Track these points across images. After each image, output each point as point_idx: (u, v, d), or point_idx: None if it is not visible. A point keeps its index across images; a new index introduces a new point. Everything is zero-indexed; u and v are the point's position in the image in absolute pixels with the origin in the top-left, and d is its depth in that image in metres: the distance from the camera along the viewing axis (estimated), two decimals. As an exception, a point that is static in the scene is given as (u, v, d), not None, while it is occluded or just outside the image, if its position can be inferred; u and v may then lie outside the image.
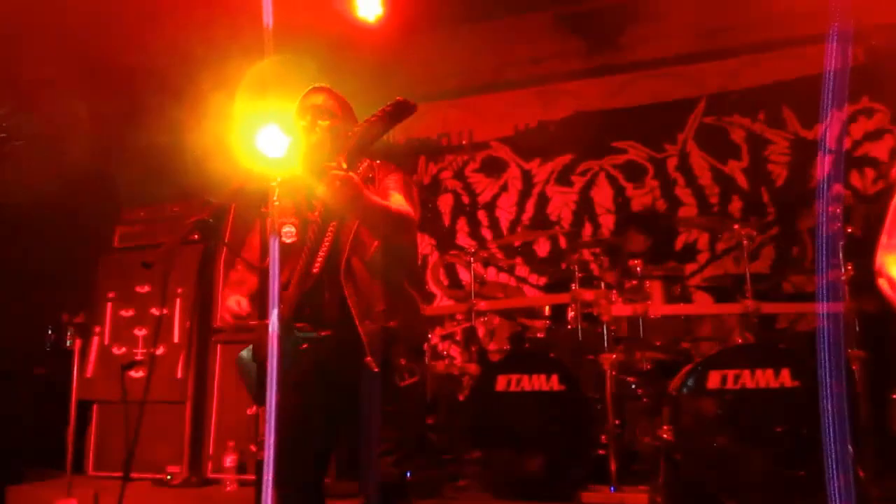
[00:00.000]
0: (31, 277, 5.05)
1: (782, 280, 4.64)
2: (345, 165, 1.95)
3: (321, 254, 2.18)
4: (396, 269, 2.23)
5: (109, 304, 4.44)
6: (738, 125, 5.10)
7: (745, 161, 5.06)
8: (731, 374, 3.05)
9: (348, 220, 2.17)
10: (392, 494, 2.14)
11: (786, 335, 4.30)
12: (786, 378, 2.99)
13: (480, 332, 4.97)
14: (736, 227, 3.45)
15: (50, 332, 5.41)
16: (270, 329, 1.81)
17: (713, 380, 3.08)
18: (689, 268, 4.93)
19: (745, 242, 3.42)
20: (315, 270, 2.17)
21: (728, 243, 4.89)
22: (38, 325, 5.32)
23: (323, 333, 2.14)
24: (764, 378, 3.01)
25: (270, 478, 1.78)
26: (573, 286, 3.52)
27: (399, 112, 1.89)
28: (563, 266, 3.68)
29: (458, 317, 4.46)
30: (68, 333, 5.30)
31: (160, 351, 4.23)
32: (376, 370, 2.11)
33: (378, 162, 2.35)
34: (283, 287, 2.13)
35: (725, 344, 3.36)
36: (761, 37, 5.05)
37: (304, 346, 2.10)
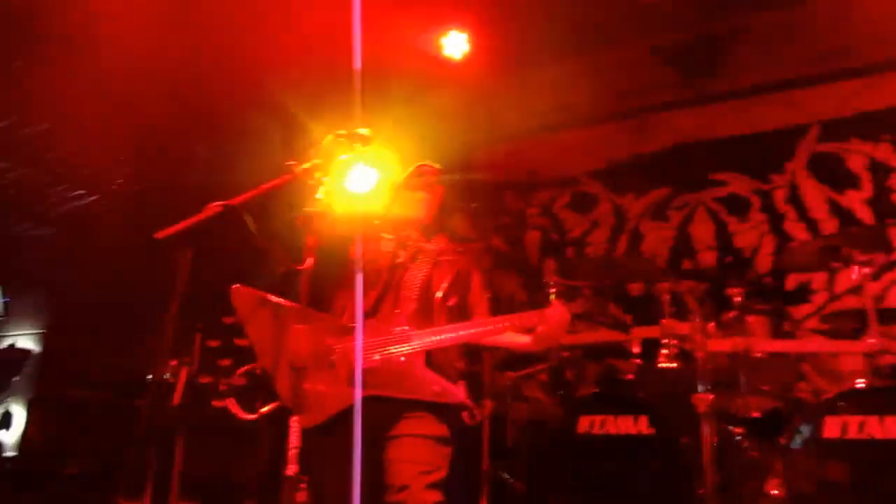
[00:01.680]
0: (129, 312, 5.32)
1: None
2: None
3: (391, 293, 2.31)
4: None
5: (197, 336, 4.54)
6: (858, 151, 4.62)
7: (867, 191, 4.54)
8: (853, 420, 2.61)
9: (437, 278, 2.33)
10: None
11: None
12: (924, 428, 2.52)
13: (569, 375, 4.68)
14: (855, 258, 3.04)
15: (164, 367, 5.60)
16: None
17: (831, 428, 2.65)
18: (805, 310, 4.43)
19: (866, 275, 3.00)
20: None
21: (849, 283, 4.36)
22: (138, 359, 5.55)
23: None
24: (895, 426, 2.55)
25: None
26: (664, 319, 3.21)
27: None
28: (655, 295, 3.38)
29: (543, 355, 4.19)
30: (166, 367, 5.48)
31: (243, 381, 4.25)
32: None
33: (457, 245, 2.52)
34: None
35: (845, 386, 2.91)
36: (880, 55, 4.61)
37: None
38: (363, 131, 1.99)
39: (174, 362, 4.96)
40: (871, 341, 2.91)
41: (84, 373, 5.79)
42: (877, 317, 2.98)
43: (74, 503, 4.97)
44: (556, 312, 2.16)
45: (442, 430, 2.14)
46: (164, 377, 5.46)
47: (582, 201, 5.44)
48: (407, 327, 2.18)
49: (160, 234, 1.33)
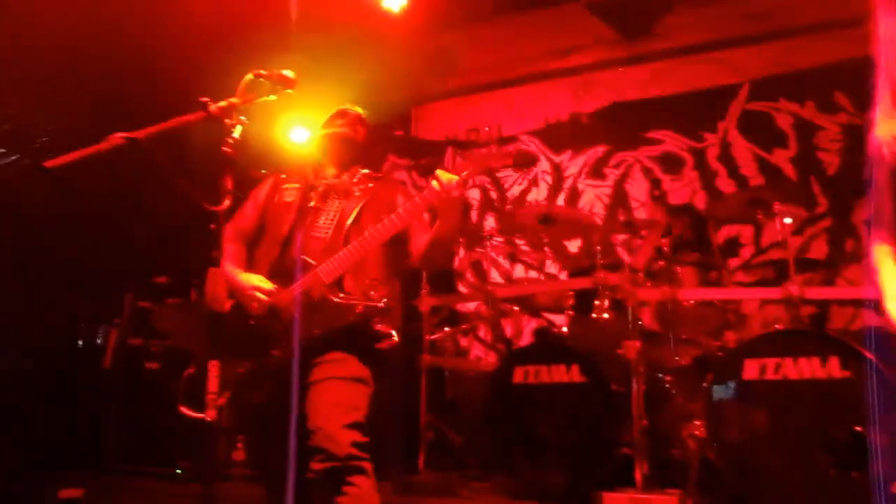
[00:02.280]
0: (58, 275, 5.09)
1: (836, 275, 4.28)
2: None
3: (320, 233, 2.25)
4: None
5: (128, 296, 4.39)
6: (785, 111, 4.76)
7: (793, 149, 4.70)
8: (770, 362, 2.74)
9: (349, 207, 2.25)
10: (352, 469, 1.95)
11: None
12: (834, 368, 2.66)
13: (508, 332, 4.75)
14: (776, 206, 3.15)
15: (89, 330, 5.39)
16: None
17: (750, 369, 2.77)
18: (733, 262, 4.58)
19: (788, 223, 3.11)
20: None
21: (774, 237, 4.53)
22: (68, 322, 5.34)
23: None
24: (809, 367, 2.68)
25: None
26: (597, 271, 3.27)
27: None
28: (590, 250, 3.43)
29: (483, 311, 4.24)
30: (99, 330, 5.29)
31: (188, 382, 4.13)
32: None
33: (377, 174, 2.45)
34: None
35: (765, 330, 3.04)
36: (810, 17, 4.72)
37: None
38: (287, 73, 1.92)
39: (104, 325, 4.80)
40: (791, 288, 3.04)
41: (11, 340, 5.55)
42: (797, 267, 3.11)
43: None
44: (443, 179, 2.04)
45: (360, 370, 2.11)
46: (96, 342, 5.30)
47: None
48: (312, 263, 2.13)
49: (49, 163, 1.25)
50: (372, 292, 2.15)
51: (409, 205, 2.12)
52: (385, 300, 2.15)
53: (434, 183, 2.05)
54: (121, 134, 1.35)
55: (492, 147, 1.99)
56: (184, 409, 1.96)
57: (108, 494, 3.75)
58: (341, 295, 2.11)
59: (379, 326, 2.17)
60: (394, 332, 2.17)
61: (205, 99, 1.61)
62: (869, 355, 2.55)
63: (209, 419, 1.51)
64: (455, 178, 2.05)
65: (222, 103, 1.66)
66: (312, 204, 2.29)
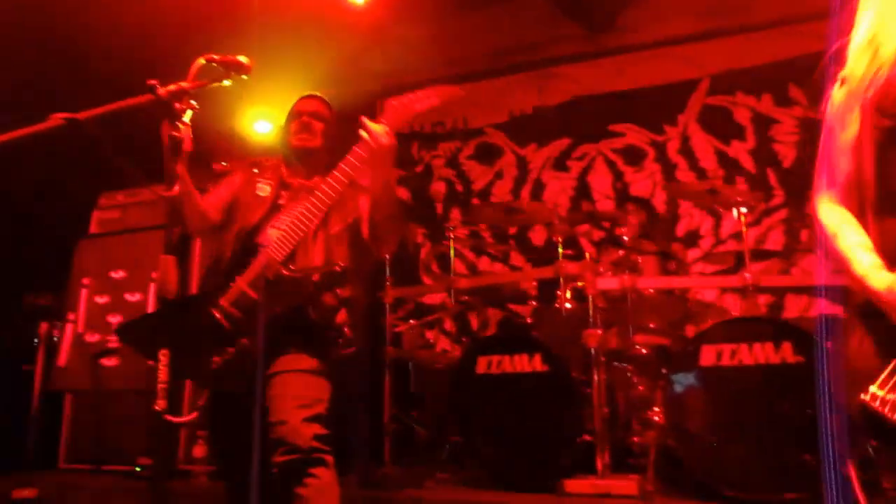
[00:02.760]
0: (11, 268, 4.94)
1: (791, 265, 4.38)
2: None
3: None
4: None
5: (84, 291, 4.28)
6: (743, 105, 4.85)
7: (751, 142, 4.80)
8: (726, 348, 2.79)
9: (316, 203, 2.18)
10: (309, 463, 1.93)
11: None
12: (787, 353, 2.72)
13: (474, 324, 4.76)
14: (733, 195, 3.21)
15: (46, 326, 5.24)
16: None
17: (707, 356, 2.82)
18: (692, 254, 4.66)
19: (744, 211, 3.18)
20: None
21: (733, 228, 4.63)
22: (22, 319, 5.18)
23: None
24: (763, 353, 2.74)
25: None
26: (558, 260, 3.29)
27: None
28: (554, 241, 3.45)
29: (447, 303, 4.24)
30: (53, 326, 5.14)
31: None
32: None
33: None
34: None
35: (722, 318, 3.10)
36: (767, 14, 4.81)
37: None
38: (241, 58, 1.88)
39: (59, 321, 4.67)
40: (746, 277, 3.10)
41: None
42: (753, 256, 3.18)
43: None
44: (371, 129, 2.03)
45: (314, 363, 2.10)
46: (53, 339, 5.15)
47: (486, 152, 5.47)
48: (266, 247, 2.11)
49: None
50: (328, 260, 2.15)
51: (349, 158, 2.10)
52: (341, 264, 2.13)
53: (363, 133, 2.05)
54: (61, 114, 1.31)
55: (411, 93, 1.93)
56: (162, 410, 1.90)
57: (63, 494, 3.65)
58: (293, 267, 2.10)
59: (340, 322, 2.15)
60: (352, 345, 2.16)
61: (153, 82, 1.57)
62: (821, 340, 2.62)
63: (157, 409, 1.48)
64: (383, 127, 2.06)
65: (171, 87, 1.63)
66: (281, 202, 2.26)
